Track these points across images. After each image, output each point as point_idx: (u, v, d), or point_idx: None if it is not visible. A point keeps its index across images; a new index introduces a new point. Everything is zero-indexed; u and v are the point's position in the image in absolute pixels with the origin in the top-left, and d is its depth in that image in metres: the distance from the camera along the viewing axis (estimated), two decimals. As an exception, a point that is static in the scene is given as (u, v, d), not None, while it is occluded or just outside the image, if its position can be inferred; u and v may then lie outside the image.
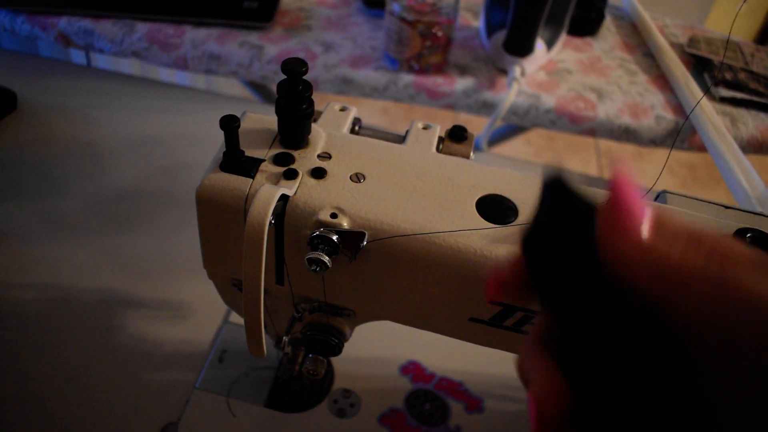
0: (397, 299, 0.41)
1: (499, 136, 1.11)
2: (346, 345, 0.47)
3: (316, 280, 0.41)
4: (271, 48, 0.82)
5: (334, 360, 0.59)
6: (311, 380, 0.56)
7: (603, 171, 2.06)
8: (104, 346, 0.60)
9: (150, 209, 0.72)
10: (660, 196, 0.47)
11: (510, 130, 1.10)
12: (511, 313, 0.39)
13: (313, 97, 0.39)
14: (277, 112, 0.39)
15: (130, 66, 1.44)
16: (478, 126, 2.11)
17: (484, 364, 0.61)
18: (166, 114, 0.85)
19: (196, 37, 0.83)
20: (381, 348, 0.61)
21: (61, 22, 0.85)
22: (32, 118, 0.82)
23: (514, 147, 1.59)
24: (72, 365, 0.58)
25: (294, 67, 0.36)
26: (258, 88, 1.08)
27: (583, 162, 2.11)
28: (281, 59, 0.81)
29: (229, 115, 0.36)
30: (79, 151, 0.78)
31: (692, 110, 0.76)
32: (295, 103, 0.38)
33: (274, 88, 1.09)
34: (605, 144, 2.07)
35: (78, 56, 1.23)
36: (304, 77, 0.37)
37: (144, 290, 0.64)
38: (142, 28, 0.84)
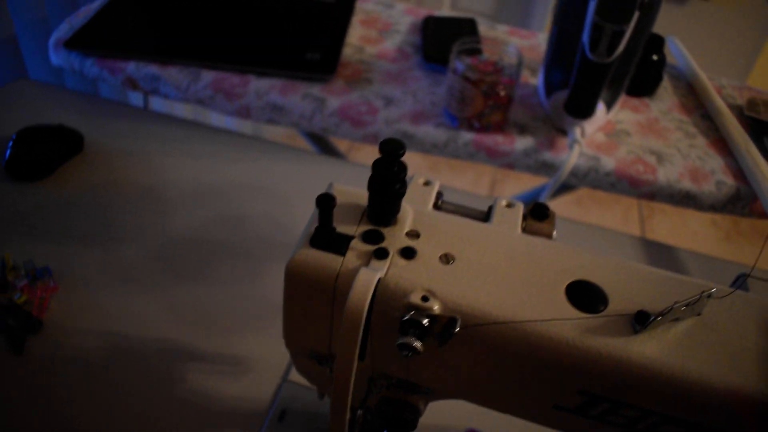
0: (480, 383, 0.40)
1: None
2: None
3: (398, 358, 0.40)
4: (333, 100, 0.83)
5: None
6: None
7: (644, 223, 2.04)
8: (164, 399, 0.60)
9: (209, 259, 0.73)
10: (739, 280, 0.46)
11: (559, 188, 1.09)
12: (598, 403, 0.38)
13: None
14: (370, 189, 0.39)
15: (183, 109, 1.47)
16: (520, 179, 2.09)
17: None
18: (222, 161, 0.86)
19: (259, 88, 0.84)
20: (440, 415, 0.60)
21: (130, 67, 0.87)
22: (96, 160, 0.83)
23: (559, 201, 1.58)
24: (131, 416, 0.58)
25: (393, 149, 0.36)
26: (314, 138, 1.09)
27: (624, 211, 2.09)
28: (343, 112, 0.82)
29: (326, 194, 0.37)
30: (141, 196, 0.79)
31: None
32: (390, 183, 0.38)
33: (332, 139, 1.10)
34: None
35: (135, 98, 1.26)
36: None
37: (203, 342, 0.65)
38: (207, 76, 0.86)
